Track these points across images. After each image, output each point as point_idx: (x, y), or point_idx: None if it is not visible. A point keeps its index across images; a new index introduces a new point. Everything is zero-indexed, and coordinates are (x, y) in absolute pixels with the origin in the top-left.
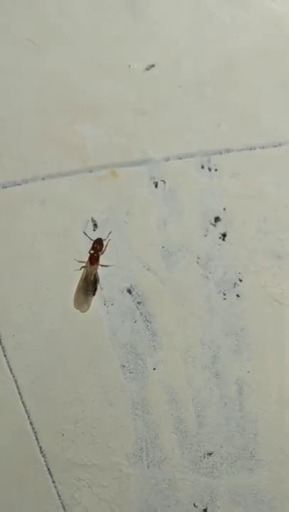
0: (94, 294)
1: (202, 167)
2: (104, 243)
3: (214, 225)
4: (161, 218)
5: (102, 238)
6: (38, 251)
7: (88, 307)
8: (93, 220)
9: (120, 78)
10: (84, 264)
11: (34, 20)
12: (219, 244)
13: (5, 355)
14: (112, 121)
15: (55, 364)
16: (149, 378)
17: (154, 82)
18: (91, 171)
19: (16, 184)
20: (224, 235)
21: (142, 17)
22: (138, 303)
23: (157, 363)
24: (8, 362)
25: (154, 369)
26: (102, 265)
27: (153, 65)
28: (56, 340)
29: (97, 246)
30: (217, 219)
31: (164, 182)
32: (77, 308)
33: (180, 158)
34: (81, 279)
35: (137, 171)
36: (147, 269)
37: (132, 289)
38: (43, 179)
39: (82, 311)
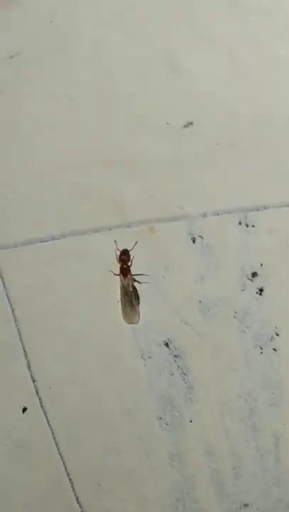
0: (139, 303)
1: (239, 223)
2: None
3: (251, 280)
4: (198, 273)
5: (128, 248)
6: (75, 305)
7: (139, 317)
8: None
9: (158, 134)
10: (119, 280)
11: (72, 77)
12: (256, 299)
13: (42, 407)
14: (150, 177)
15: (92, 416)
16: (185, 430)
17: (192, 139)
18: (129, 226)
19: (54, 238)
20: (261, 290)
21: (179, 73)
22: (175, 356)
23: (194, 416)
24: (45, 413)
25: (191, 421)
26: (135, 275)
27: (191, 123)
28: (93, 392)
29: (125, 257)
30: (254, 274)
31: (202, 237)
32: (130, 323)
33: (217, 214)
34: (122, 294)
35: (174, 227)
36: (185, 323)
37: (169, 343)
38: (81, 234)
39: (135, 323)
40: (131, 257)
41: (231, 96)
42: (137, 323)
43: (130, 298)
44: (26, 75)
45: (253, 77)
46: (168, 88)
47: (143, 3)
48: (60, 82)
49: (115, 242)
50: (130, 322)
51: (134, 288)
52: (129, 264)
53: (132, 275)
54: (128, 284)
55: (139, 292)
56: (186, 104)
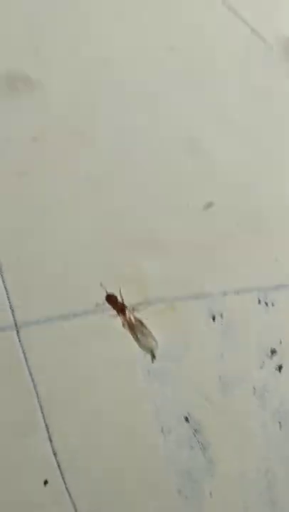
0: (145, 327)
1: (259, 302)
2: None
3: (270, 358)
4: (218, 350)
5: (111, 293)
6: (97, 380)
7: (153, 338)
8: (152, 352)
9: (180, 215)
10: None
11: (94, 159)
12: (275, 376)
13: (63, 480)
14: (172, 257)
15: (113, 489)
16: (205, 504)
17: (213, 219)
18: (149, 304)
19: (76, 316)
20: (280, 367)
21: (199, 154)
22: (195, 430)
23: (213, 489)
24: (66, 486)
25: (211, 495)
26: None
27: (211, 204)
28: (114, 467)
29: (111, 303)
30: (273, 351)
31: (222, 316)
32: (149, 349)
33: (237, 293)
34: (130, 330)
35: (195, 305)
36: (204, 399)
37: (189, 418)
38: (103, 311)
39: (154, 348)
40: (118, 298)
41: (252, 177)
42: (155, 346)
43: (137, 328)
44: (49, 157)
45: (274, 159)
46: (188, 169)
47: (165, 86)
48: (83, 163)
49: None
50: (149, 349)
51: (135, 318)
52: (119, 301)
53: (127, 308)
54: (129, 319)
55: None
56: (206, 185)
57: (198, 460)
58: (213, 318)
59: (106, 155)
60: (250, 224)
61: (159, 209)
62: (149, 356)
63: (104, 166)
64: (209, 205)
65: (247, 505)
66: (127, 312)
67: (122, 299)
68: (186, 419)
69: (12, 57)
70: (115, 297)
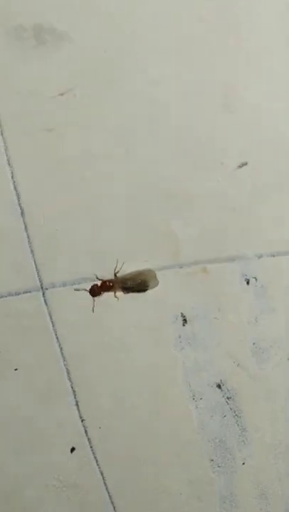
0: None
1: None
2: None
3: None
4: (252, 315)
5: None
6: (127, 344)
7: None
8: (183, 315)
9: (213, 173)
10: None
11: (126, 111)
12: None
13: (91, 447)
14: (204, 217)
15: (142, 457)
16: (237, 473)
17: (247, 180)
18: (181, 267)
19: (104, 277)
20: None
21: (237, 114)
22: (228, 398)
23: (246, 458)
24: (94, 453)
25: (243, 463)
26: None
27: (246, 163)
28: (143, 434)
29: (97, 292)
30: None
31: (256, 279)
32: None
33: (273, 256)
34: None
35: (228, 268)
36: (237, 365)
37: (221, 384)
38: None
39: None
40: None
41: (287, 136)
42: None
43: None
44: (78, 111)
45: None
46: (224, 127)
47: (200, 36)
48: (114, 115)
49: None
50: (153, 283)
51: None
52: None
53: (110, 281)
54: (116, 284)
55: None
56: (241, 144)
57: (231, 428)
58: (248, 282)
59: (137, 109)
60: (286, 184)
61: (193, 166)
62: (180, 319)
63: (136, 120)
64: (244, 163)
65: (281, 475)
66: (114, 286)
67: (115, 270)
68: (219, 386)
69: (40, 9)
70: (95, 286)
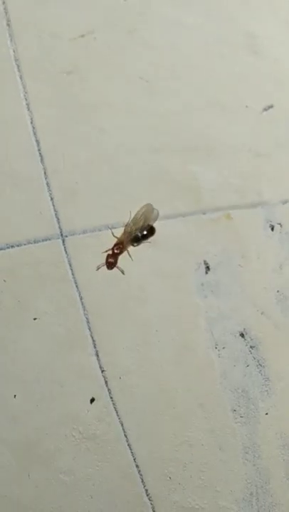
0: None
1: None
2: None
3: None
4: (277, 262)
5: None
6: (147, 293)
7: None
8: (206, 263)
9: (237, 118)
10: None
11: (147, 58)
12: None
13: (111, 398)
14: (227, 163)
15: (163, 407)
16: (260, 423)
17: (272, 123)
18: (204, 213)
19: (125, 225)
20: None
21: (261, 55)
22: (251, 347)
23: (270, 408)
24: (114, 404)
25: (267, 414)
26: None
27: (271, 106)
28: (164, 383)
29: (111, 264)
30: None
31: (281, 225)
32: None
33: None
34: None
35: (252, 214)
36: (261, 313)
37: (244, 333)
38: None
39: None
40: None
41: None
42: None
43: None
44: (98, 55)
45: None
46: (247, 70)
47: None
48: (134, 63)
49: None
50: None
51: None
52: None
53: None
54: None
55: None
56: (266, 87)
57: (254, 378)
58: (272, 228)
59: (159, 54)
60: None
61: (216, 112)
62: (203, 267)
63: (157, 65)
64: (269, 106)
65: None
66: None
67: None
68: (242, 334)
69: None
70: (109, 259)
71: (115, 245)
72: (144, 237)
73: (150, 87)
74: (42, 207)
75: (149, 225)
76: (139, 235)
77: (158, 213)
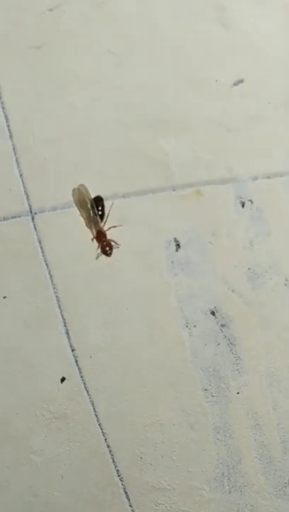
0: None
1: None
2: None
3: None
4: (247, 239)
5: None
6: (118, 270)
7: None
8: (176, 240)
9: (206, 93)
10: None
11: (116, 32)
12: None
13: (81, 377)
14: (197, 138)
15: (133, 386)
16: (232, 402)
17: (242, 98)
18: (174, 190)
19: None
20: None
21: (231, 29)
22: (222, 325)
23: (241, 387)
24: (84, 383)
25: (238, 393)
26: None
27: (241, 80)
28: (135, 362)
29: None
30: None
31: (251, 202)
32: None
33: (268, 178)
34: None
35: (223, 190)
36: (232, 291)
37: (215, 311)
38: (124, 197)
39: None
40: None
41: (285, 52)
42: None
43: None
44: (67, 29)
45: None
46: (217, 43)
47: None
48: (103, 36)
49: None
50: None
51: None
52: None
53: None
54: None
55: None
56: (236, 61)
57: (225, 356)
58: (243, 204)
59: (128, 27)
60: (283, 103)
61: (185, 87)
62: (173, 245)
63: (126, 38)
64: (239, 81)
65: (276, 404)
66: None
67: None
68: (213, 312)
69: None
70: (105, 247)
71: (98, 235)
72: (101, 207)
73: (119, 61)
74: (11, 184)
75: (93, 199)
76: (98, 210)
77: (85, 188)
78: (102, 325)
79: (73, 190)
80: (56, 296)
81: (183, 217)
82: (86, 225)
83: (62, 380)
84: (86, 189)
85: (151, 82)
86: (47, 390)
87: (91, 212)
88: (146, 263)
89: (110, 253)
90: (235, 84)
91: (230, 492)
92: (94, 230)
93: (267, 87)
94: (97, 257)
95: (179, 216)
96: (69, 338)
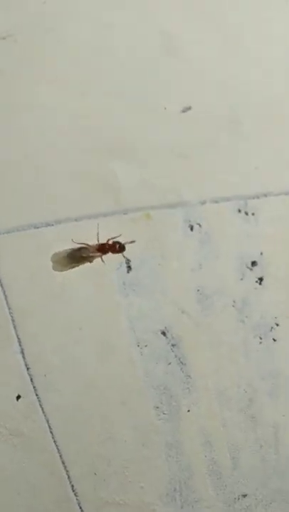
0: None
1: (239, 211)
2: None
3: (251, 269)
4: (196, 261)
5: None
6: (70, 291)
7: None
8: (127, 262)
9: (157, 119)
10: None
11: (68, 58)
12: (255, 289)
13: (37, 395)
14: (148, 163)
15: (87, 404)
16: (183, 420)
17: (191, 124)
18: (125, 213)
19: (48, 225)
20: (261, 279)
21: (177, 55)
22: (172, 345)
23: (191, 405)
24: (40, 401)
25: (188, 411)
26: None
27: (189, 107)
28: (89, 381)
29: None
30: (254, 263)
31: (200, 225)
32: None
33: (216, 202)
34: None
35: (172, 214)
36: (182, 312)
37: (166, 331)
38: (76, 220)
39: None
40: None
41: (230, 78)
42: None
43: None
44: (19, 57)
45: (253, 57)
46: (165, 70)
47: None
48: (56, 63)
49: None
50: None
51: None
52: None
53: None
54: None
55: None
56: (183, 88)
57: (176, 375)
58: (191, 228)
59: (78, 53)
60: (229, 130)
61: (135, 114)
62: (124, 266)
63: (79, 66)
64: (187, 108)
65: (226, 422)
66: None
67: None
68: (163, 333)
69: None
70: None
71: (101, 249)
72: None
73: (71, 87)
74: None
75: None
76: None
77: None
78: (56, 345)
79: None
80: (11, 316)
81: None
82: (90, 261)
83: (18, 397)
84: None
85: (102, 108)
86: (3, 407)
87: (80, 253)
88: (98, 283)
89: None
90: (184, 111)
91: (182, 507)
92: (95, 252)
93: (214, 113)
94: (127, 261)
95: (129, 239)
96: (24, 357)
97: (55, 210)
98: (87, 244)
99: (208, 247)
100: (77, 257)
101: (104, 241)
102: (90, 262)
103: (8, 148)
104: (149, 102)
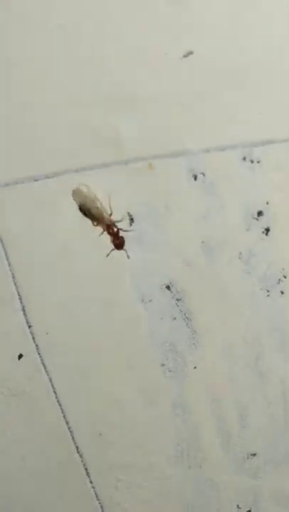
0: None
1: (244, 159)
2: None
3: (257, 220)
4: (200, 212)
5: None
6: (72, 248)
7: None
8: (130, 215)
9: (156, 67)
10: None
11: (63, 7)
12: (262, 239)
13: (39, 354)
14: (149, 112)
15: (91, 363)
16: (189, 377)
17: (192, 70)
18: (127, 164)
19: (48, 177)
20: (267, 230)
21: (179, 2)
22: (177, 300)
23: (198, 362)
24: (42, 360)
25: (195, 368)
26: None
27: (191, 52)
28: (92, 339)
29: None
30: (260, 213)
31: (204, 175)
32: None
33: (221, 150)
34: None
35: (175, 163)
36: (187, 265)
37: (171, 286)
38: (76, 171)
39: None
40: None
41: (234, 24)
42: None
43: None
44: (12, 6)
45: (261, 7)
46: (166, 17)
47: None
48: (51, 12)
49: None
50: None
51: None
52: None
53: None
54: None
55: None
56: (185, 33)
57: (182, 331)
58: (195, 177)
59: (77, 1)
60: (233, 76)
61: (134, 61)
62: (127, 219)
63: (76, 14)
64: (189, 53)
65: (233, 378)
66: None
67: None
68: (168, 287)
69: None
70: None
71: (108, 228)
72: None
73: (69, 36)
74: None
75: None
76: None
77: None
78: (59, 302)
79: (74, 191)
80: (12, 274)
81: (136, 191)
82: (93, 223)
83: (20, 356)
84: (88, 187)
85: (101, 58)
86: (5, 368)
87: (98, 207)
88: (100, 239)
89: (121, 246)
90: (185, 56)
91: (189, 467)
92: (103, 225)
93: (217, 60)
94: (108, 254)
95: (131, 190)
96: (25, 315)
97: (54, 163)
98: (100, 204)
99: (213, 197)
100: (87, 213)
101: (115, 229)
102: (95, 225)
103: (6, 103)
104: (149, 48)
